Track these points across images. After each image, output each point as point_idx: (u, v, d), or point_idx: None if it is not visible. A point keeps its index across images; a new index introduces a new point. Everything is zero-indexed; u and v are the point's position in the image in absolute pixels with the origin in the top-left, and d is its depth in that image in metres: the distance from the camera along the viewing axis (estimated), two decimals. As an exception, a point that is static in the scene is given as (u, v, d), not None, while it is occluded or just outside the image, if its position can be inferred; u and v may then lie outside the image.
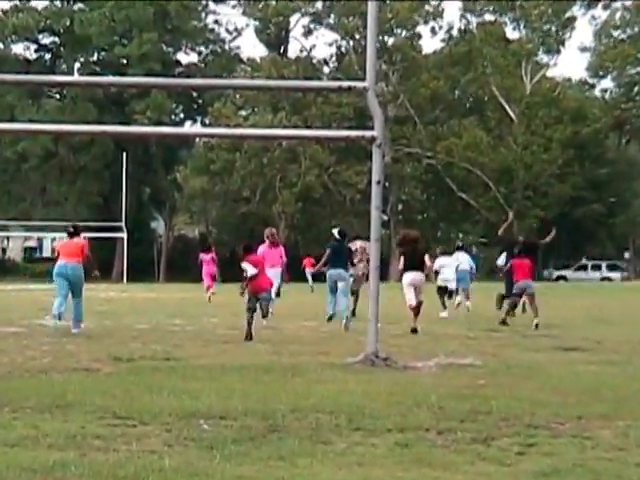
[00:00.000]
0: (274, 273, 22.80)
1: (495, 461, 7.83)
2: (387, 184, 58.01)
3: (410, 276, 20.65)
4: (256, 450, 8.20)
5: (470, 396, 10.89)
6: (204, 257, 36.40)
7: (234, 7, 78.07)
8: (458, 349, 16.16)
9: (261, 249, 22.96)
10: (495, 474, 7.29)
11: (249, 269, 18.09)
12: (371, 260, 15.81)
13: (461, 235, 76.15)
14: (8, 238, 77.05)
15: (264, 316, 18.98)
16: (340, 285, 22.09)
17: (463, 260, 27.67)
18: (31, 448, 8.05)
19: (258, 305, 18.37)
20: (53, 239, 78.41)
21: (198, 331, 20.77)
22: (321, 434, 8.94)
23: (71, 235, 19.65)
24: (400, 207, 69.06)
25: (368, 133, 16.13)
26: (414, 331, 19.75)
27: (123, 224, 58.05)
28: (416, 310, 20.44)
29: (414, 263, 20.69)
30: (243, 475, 6.83)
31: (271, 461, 7.66)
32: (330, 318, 22.54)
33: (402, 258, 21.34)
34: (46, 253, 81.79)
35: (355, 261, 23.21)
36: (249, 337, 17.83)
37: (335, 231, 23.31)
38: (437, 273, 26.79)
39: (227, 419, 9.49)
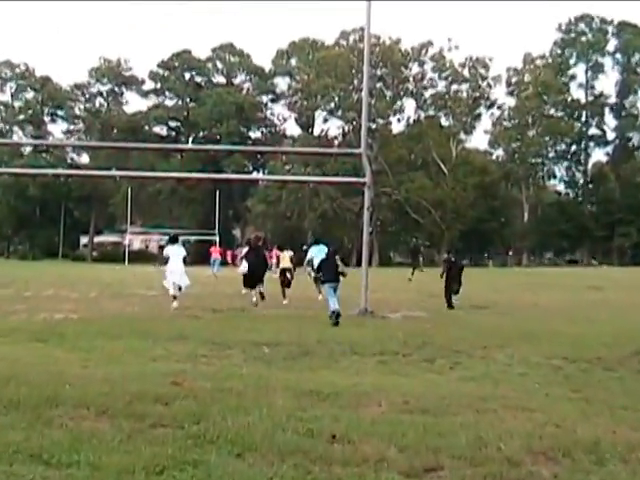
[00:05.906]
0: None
1: (436, 372, 7.81)
2: (371, 209, 57.67)
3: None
4: (295, 364, 8.19)
5: (420, 334, 10.85)
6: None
7: (283, 105, 77.93)
8: (413, 307, 16.11)
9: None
10: (437, 379, 7.27)
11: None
12: (363, 253, 15.82)
13: (414, 240, 75.75)
14: (149, 239, 77.14)
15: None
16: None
17: None
18: (165, 361, 8.07)
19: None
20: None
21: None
22: (333, 356, 8.93)
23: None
24: (379, 223, 68.57)
25: (362, 180, 16.11)
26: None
27: (216, 231, 57.77)
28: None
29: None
30: (288, 379, 6.82)
31: (304, 371, 7.65)
32: None
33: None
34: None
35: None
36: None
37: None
38: None
39: (279, 346, 9.48)
